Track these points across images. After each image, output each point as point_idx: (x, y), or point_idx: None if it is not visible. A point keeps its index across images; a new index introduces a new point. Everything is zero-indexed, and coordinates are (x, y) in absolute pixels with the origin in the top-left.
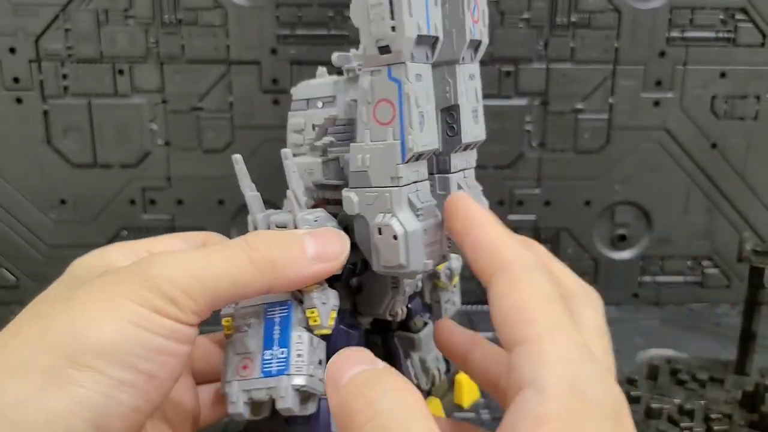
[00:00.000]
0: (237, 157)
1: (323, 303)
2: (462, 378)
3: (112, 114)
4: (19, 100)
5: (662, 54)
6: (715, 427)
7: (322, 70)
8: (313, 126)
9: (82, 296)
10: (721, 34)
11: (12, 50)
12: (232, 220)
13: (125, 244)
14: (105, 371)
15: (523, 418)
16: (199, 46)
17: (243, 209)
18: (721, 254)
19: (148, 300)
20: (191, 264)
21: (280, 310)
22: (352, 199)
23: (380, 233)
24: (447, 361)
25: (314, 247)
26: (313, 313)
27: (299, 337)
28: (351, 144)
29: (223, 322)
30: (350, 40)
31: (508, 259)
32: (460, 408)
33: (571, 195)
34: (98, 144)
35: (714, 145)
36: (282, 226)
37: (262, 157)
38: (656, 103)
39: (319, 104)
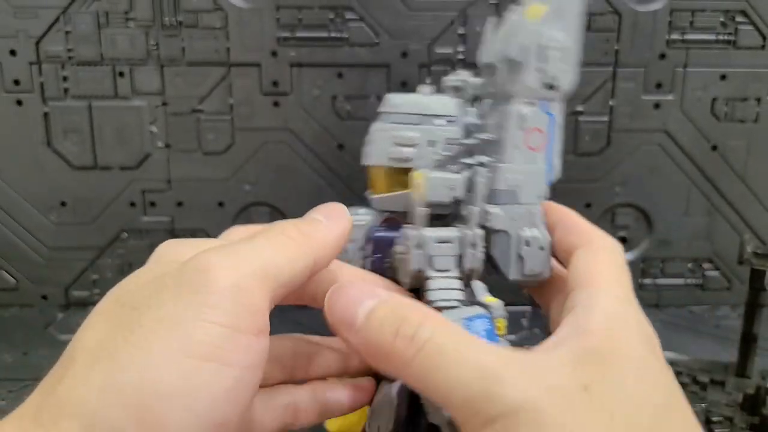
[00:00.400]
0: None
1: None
2: None
3: (113, 116)
4: (19, 102)
5: (662, 56)
6: (716, 430)
7: (426, 87)
8: (430, 141)
9: (150, 332)
10: (721, 37)
11: (12, 52)
12: (232, 222)
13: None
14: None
15: (572, 328)
16: (200, 49)
17: (243, 211)
18: (722, 256)
19: (222, 319)
20: (249, 261)
21: (481, 322)
22: (499, 214)
23: (528, 245)
24: None
25: (318, 213)
26: (500, 323)
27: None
28: (501, 165)
29: None
30: (350, 42)
31: (591, 237)
32: None
33: (571, 197)
34: (98, 146)
35: (714, 147)
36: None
37: (263, 159)
38: (656, 106)
39: (442, 121)
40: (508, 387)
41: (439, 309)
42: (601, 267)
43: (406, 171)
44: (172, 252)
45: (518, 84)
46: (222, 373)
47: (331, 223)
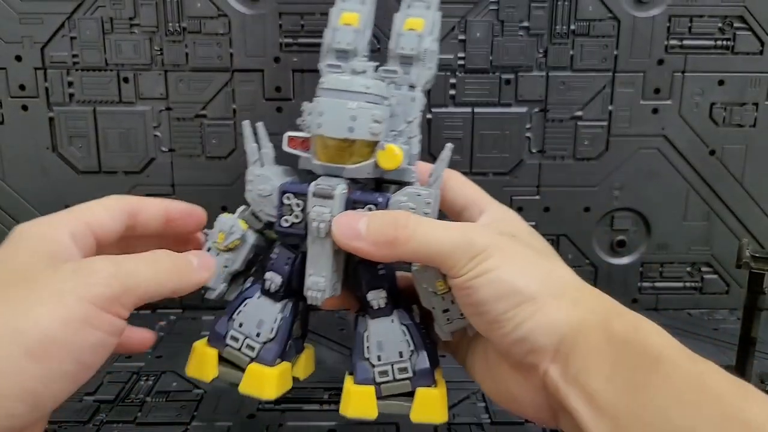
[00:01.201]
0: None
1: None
2: (424, 392)
3: (117, 121)
4: (24, 108)
5: (661, 62)
6: None
7: (369, 65)
8: (386, 120)
9: (41, 289)
10: (719, 42)
11: (18, 58)
12: None
13: (61, 217)
14: (53, 366)
15: (488, 219)
16: (203, 54)
17: None
18: (720, 260)
19: (96, 299)
20: (140, 271)
21: None
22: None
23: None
24: (414, 369)
25: (194, 257)
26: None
27: None
28: (415, 138)
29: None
30: None
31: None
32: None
33: (570, 201)
34: (103, 151)
35: (712, 152)
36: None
37: None
38: (655, 111)
39: (387, 102)
40: (478, 237)
41: None
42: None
43: (351, 143)
44: (29, 238)
45: (421, 77)
46: (92, 332)
47: (198, 272)
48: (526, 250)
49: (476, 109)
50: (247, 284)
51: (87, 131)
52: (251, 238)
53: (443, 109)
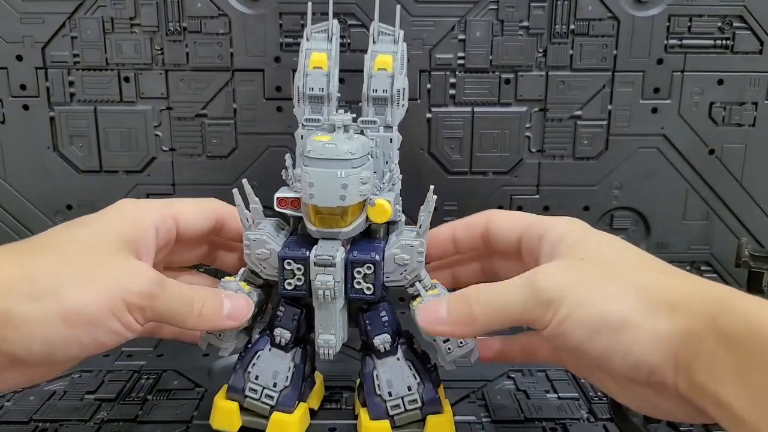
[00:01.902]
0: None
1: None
2: (435, 420)
3: (118, 120)
4: (25, 107)
5: (660, 61)
6: (714, 431)
7: (343, 133)
8: (372, 175)
9: (98, 273)
10: (718, 42)
11: (19, 58)
12: None
13: (154, 206)
14: (76, 331)
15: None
16: (204, 54)
17: None
18: (720, 259)
19: (130, 301)
20: (167, 296)
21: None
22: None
23: None
24: (422, 399)
25: (229, 308)
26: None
27: None
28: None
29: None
30: (352, 48)
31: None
32: None
33: (570, 201)
34: (104, 150)
35: (712, 151)
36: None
37: (266, 163)
38: (654, 110)
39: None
40: (542, 283)
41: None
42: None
43: (343, 208)
44: (125, 213)
45: (395, 116)
46: (114, 323)
47: (223, 321)
48: (599, 270)
49: (476, 109)
50: (255, 335)
51: (88, 131)
52: (254, 296)
53: (443, 109)
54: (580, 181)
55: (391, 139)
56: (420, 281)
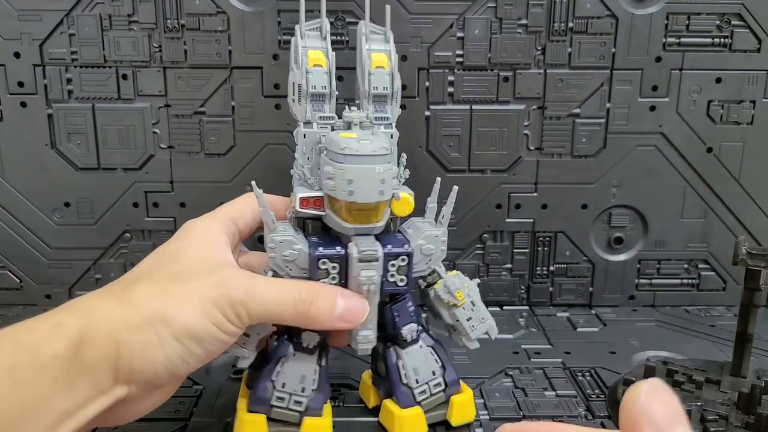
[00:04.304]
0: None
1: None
2: (459, 399)
3: (116, 118)
4: (23, 104)
5: (658, 59)
6: (712, 429)
7: (366, 131)
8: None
9: (188, 289)
10: (717, 40)
11: (17, 55)
12: None
13: (218, 218)
14: (188, 346)
15: None
16: (202, 51)
17: None
18: (717, 257)
19: (226, 312)
20: (259, 297)
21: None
22: None
23: None
24: (445, 381)
25: (342, 308)
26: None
27: None
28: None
29: None
30: (350, 45)
31: None
32: (447, 425)
33: (568, 198)
34: (102, 147)
35: (710, 150)
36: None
37: (264, 161)
38: (652, 108)
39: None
40: None
41: None
42: None
43: (378, 204)
44: (193, 237)
45: (394, 113)
46: (216, 331)
47: (334, 323)
48: None
49: (474, 107)
50: (273, 343)
51: (86, 128)
52: None
53: (441, 107)
54: (578, 179)
55: (392, 135)
56: (438, 267)
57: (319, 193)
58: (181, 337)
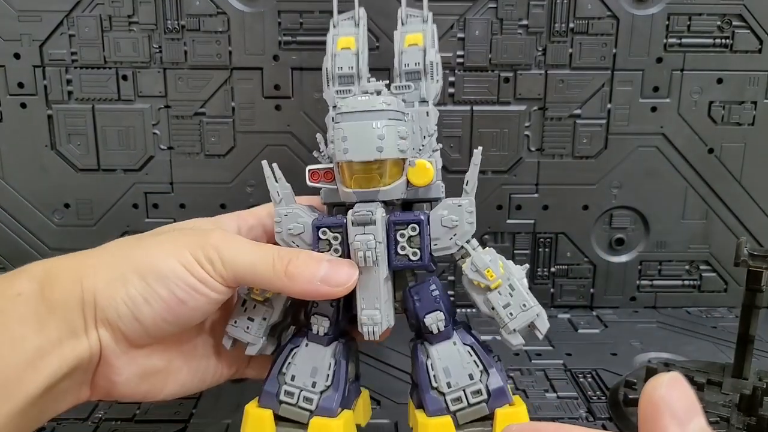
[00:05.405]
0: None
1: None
2: (506, 413)
3: (116, 119)
4: (23, 105)
5: (659, 60)
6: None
7: (381, 84)
8: (410, 135)
9: (160, 238)
10: (718, 41)
11: (16, 56)
12: None
13: (226, 217)
14: (151, 284)
15: None
16: (202, 52)
17: None
18: (719, 258)
19: (196, 253)
20: (234, 247)
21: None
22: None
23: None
24: (488, 389)
25: (326, 272)
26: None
27: None
28: (437, 151)
29: None
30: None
31: None
32: None
33: (569, 199)
34: (102, 148)
35: (711, 150)
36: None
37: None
38: (653, 109)
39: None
40: None
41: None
42: None
43: (380, 165)
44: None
45: (430, 90)
46: (186, 275)
47: (322, 287)
48: None
49: (475, 108)
50: (289, 335)
51: (86, 129)
52: (281, 299)
53: (442, 108)
54: (579, 180)
55: (427, 113)
56: (467, 244)
57: (329, 166)
58: (145, 273)
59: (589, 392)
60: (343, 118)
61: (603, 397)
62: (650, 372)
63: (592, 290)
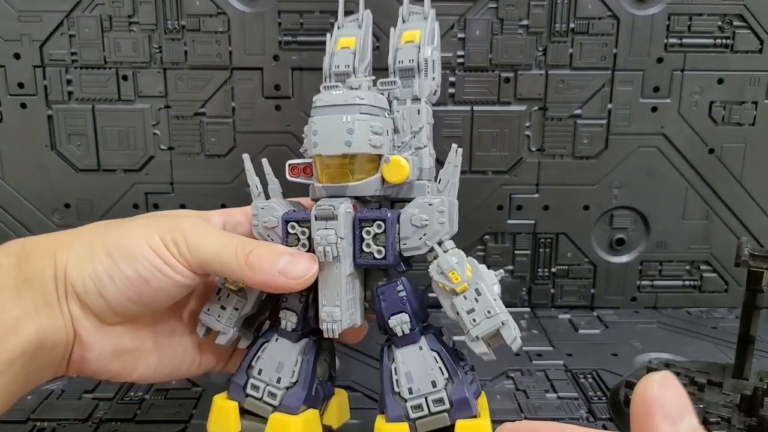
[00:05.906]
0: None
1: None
2: (467, 426)
3: (116, 119)
4: (23, 106)
5: (660, 60)
6: (714, 431)
7: (365, 81)
8: (388, 131)
9: (135, 221)
10: (718, 41)
11: (17, 56)
12: None
13: (218, 211)
14: (117, 262)
15: None
16: (202, 52)
17: None
18: (719, 259)
19: (164, 236)
20: (201, 234)
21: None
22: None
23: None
24: (450, 398)
25: (285, 264)
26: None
27: None
28: (423, 149)
29: None
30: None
31: None
32: None
33: (569, 200)
34: (102, 149)
35: (712, 151)
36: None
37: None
38: (654, 109)
39: (386, 114)
40: None
41: None
42: None
43: (351, 159)
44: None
45: (423, 87)
46: (151, 255)
47: (280, 279)
48: None
49: (475, 108)
50: (264, 330)
51: (86, 129)
52: (254, 293)
53: (442, 108)
54: (579, 180)
55: (419, 111)
56: (438, 246)
57: (308, 160)
58: (112, 251)
59: (589, 393)
60: (316, 111)
61: (603, 398)
62: (651, 372)
63: (592, 290)
